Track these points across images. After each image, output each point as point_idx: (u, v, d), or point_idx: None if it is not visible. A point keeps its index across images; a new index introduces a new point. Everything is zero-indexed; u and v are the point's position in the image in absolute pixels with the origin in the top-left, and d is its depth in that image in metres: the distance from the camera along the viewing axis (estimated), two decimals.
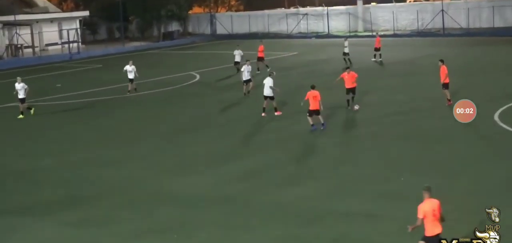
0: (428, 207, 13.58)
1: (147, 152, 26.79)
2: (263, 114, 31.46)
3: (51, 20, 76.45)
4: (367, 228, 16.71)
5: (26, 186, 22.95)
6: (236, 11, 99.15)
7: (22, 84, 35.71)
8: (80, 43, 75.38)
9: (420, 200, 13.70)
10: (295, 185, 21.10)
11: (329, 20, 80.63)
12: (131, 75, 40.93)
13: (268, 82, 31.21)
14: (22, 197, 21.56)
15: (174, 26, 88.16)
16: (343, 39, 53.43)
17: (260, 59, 48.06)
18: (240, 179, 22.19)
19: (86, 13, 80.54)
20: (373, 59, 50.83)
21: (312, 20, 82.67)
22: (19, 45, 71.14)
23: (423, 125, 28.38)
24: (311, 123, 27.78)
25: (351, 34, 75.54)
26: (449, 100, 30.77)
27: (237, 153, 25.76)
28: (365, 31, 74.38)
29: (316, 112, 27.70)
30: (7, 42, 71.22)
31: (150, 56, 69.63)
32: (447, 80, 31.10)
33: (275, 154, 25.25)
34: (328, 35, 77.62)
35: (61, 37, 75.61)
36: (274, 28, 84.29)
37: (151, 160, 25.42)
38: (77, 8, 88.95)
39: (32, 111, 36.17)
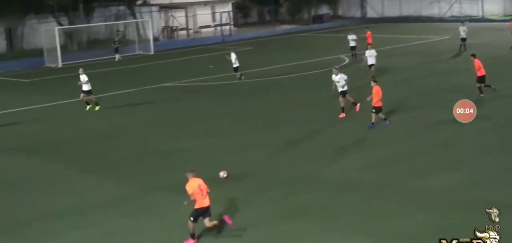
0: (195, 185, 16.10)
1: (290, 135, 26.87)
2: (341, 115, 29.13)
3: (205, 4, 78.41)
4: None
5: (175, 164, 23.69)
6: None
7: (84, 76, 33.97)
8: (232, 26, 76.85)
9: None
10: (441, 172, 20.61)
11: (483, 3, 77.71)
12: (236, 63, 41.17)
13: (341, 77, 28.98)
14: (176, 176, 22.28)
15: (324, 9, 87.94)
16: (460, 23, 51.92)
17: (369, 45, 46.97)
18: (385, 165, 21.95)
19: None
20: None
21: (466, 3, 79.85)
22: (174, 27, 73.52)
23: None
24: (372, 120, 26.83)
25: (507, 18, 72.58)
26: None
27: (381, 139, 25.40)
28: None
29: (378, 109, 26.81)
30: (163, 24, 73.71)
31: (299, 39, 69.92)
32: None
33: (420, 140, 24.79)
34: (482, 19, 74.86)
35: (214, 20, 77.45)
36: (426, 12, 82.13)
37: (294, 144, 25.48)
38: None
39: (97, 107, 34.66)
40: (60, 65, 55.92)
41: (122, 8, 68.18)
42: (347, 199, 18.84)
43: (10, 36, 60.13)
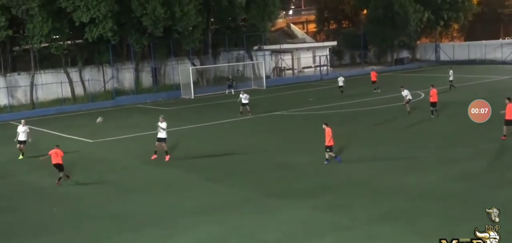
0: (53, 151, 23.56)
1: (383, 153, 26.81)
2: (153, 157, 28.35)
3: (307, 49, 78.73)
4: None
5: (286, 175, 24.07)
6: (458, 41, 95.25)
7: (25, 127, 30.83)
8: (328, 67, 76.77)
9: None
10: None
11: None
12: (245, 100, 41.39)
13: (164, 125, 27.93)
14: (282, 185, 22.67)
15: (404, 54, 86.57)
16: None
17: (373, 82, 51.22)
18: (460, 180, 21.60)
19: (334, 43, 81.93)
20: None
21: None
22: (282, 68, 74.30)
23: None
24: (326, 156, 25.05)
25: None
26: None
27: (458, 157, 24.92)
28: None
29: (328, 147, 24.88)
30: (274, 65, 74.64)
31: (383, 78, 69.01)
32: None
33: (491, 159, 24.13)
34: None
35: (314, 61, 77.65)
36: (490, 56, 79.40)
37: (387, 160, 25.37)
38: (327, 39, 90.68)
39: (20, 156, 30.74)
40: (193, 97, 57.61)
41: (241, 52, 69.46)
42: (426, 207, 18.68)
43: (155, 74, 62.31)
